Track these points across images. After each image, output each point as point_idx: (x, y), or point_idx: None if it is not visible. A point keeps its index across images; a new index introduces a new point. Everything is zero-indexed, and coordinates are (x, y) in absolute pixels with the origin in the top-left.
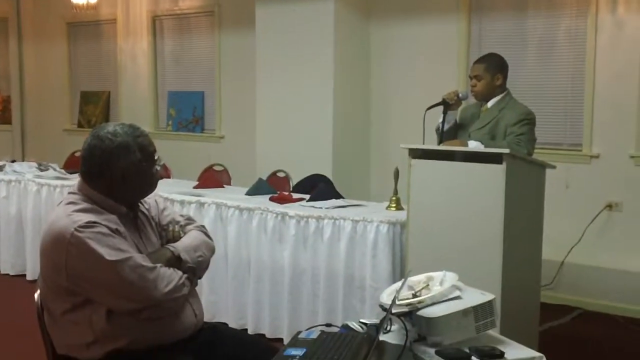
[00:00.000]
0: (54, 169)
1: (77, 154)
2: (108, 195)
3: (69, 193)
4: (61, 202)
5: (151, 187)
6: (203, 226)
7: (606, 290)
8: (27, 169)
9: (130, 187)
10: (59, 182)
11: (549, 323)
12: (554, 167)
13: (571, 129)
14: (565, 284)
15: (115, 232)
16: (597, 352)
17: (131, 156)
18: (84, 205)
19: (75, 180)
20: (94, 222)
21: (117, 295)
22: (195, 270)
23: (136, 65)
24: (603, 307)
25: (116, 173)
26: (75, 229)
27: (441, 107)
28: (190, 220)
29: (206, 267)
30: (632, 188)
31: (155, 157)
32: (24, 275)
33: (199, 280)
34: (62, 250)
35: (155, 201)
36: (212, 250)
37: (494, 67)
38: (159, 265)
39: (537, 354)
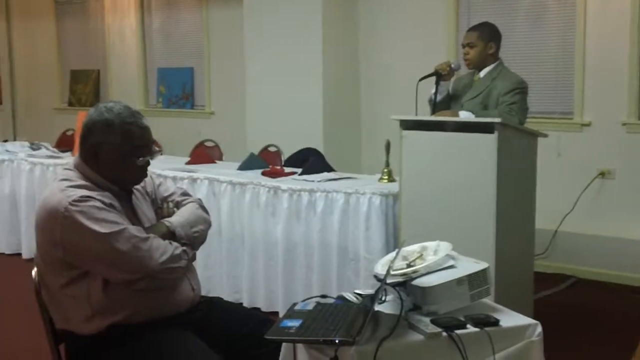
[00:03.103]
0: (46, 148)
1: (69, 133)
2: (99, 173)
3: (64, 169)
4: (55, 178)
5: (126, 176)
6: (199, 199)
7: (600, 258)
8: (19, 149)
9: (103, 167)
10: (51, 161)
11: (543, 292)
12: (545, 135)
13: (562, 97)
14: (558, 253)
15: (110, 206)
16: (592, 319)
17: (109, 136)
18: (78, 181)
19: (67, 158)
20: (88, 197)
21: (113, 267)
22: (189, 246)
23: (124, 42)
24: (597, 274)
25: (91, 146)
26: (70, 203)
27: (433, 78)
28: (186, 194)
29: (203, 241)
30: (624, 155)
31: (141, 151)
32: (20, 254)
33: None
34: (56, 224)
35: (151, 177)
36: (209, 224)
37: (487, 34)
38: (152, 236)
39: (533, 321)
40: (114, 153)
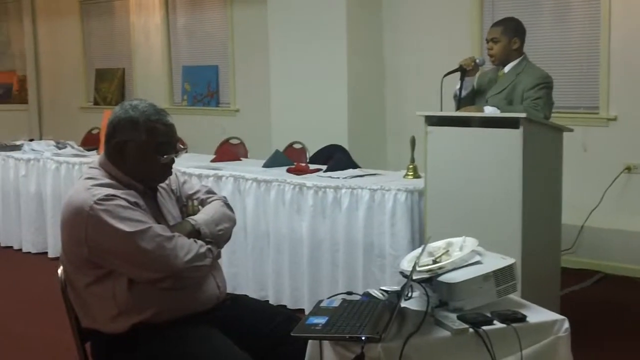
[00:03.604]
0: (72, 147)
1: (95, 132)
2: (124, 171)
3: (89, 168)
4: (81, 176)
5: (152, 173)
6: (224, 197)
7: (627, 253)
8: (45, 148)
9: (128, 165)
10: (77, 160)
11: (570, 287)
12: (571, 130)
13: (588, 91)
14: (585, 248)
15: (134, 204)
16: (619, 315)
17: (134, 133)
18: (103, 180)
19: (93, 157)
20: (113, 195)
21: (138, 266)
22: (214, 244)
23: (149, 41)
24: (624, 270)
25: (116, 144)
26: (95, 202)
27: (458, 74)
28: (210, 192)
29: (227, 239)
30: None
31: (165, 149)
32: (46, 253)
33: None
34: (81, 223)
35: (176, 175)
36: (233, 222)
37: (511, 30)
38: (177, 234)
39: (560, 317)
40: (139, 150)
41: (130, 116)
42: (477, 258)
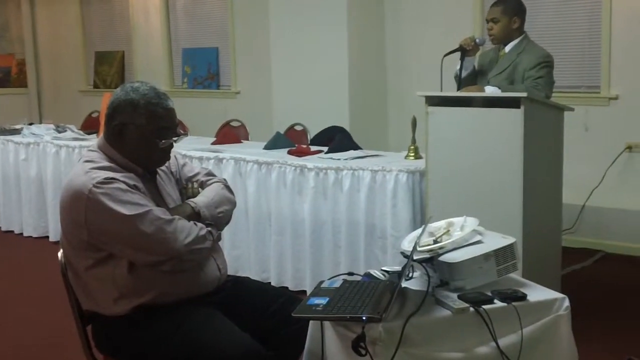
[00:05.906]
0: (72, 130)
1: (95, 115)
2: (123, 154)
3: (88, 150)
4: (80, 159)
5: (150, 157)
6: (224, 179)
7: (628, 232)
8: (45, 131)
9: (127, 148)
10: (77, 143)
11: (571, 267)
12: (572, 109)
13: (589, 71)
14: (586, 228)
15: (134, 187)
16: (620, 293)
17: (134, 116)
18: (102, 163)
19: (93, 140)
20: (112, 179)
21: (138, 249)
22: (214, 227)
23: (149, 23)
24: (625, 249)
25: (115, 126)
26: (94, 185)
27: (459, 54)
28: (210, 174)
29: (228, 221)
30: None
31: (164, 134)
32: (47, 237)
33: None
34: (81, 206)
35: (175, 157)
36: (233, 205)
37: (511, 9)
38: (177, 217)
39: (560, 295)
40: (138, 134)
41: (131, 99)
42: (478, 237)
